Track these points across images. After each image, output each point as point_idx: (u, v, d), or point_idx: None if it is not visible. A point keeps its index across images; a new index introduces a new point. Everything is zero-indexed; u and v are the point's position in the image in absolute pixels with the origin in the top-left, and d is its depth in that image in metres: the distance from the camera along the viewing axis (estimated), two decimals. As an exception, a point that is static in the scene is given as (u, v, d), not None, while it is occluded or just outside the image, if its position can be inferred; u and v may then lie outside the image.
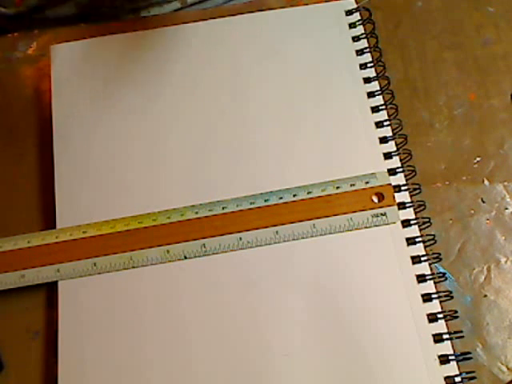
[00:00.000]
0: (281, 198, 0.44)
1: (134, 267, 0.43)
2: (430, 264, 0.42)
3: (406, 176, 0.45)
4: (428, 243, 0.43)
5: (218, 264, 0.43)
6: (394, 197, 0.43)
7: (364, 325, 0.40)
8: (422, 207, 0.44)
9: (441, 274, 0.42)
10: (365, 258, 0.42)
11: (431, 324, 0.40)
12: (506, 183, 0.46)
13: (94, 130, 0.48)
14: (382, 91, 0.47)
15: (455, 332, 0.40)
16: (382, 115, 0.46)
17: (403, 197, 0.44)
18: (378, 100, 0.47)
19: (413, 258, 0.42)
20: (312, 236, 0.43)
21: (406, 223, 0.43)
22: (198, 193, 0.45)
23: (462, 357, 0.40)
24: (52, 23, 0.55)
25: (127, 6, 0.56)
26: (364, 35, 0.49)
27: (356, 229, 0.43)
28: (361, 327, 0.40)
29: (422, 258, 0.42)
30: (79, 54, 0.50)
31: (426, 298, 0.41)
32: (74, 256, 0.43)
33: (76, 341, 0.41)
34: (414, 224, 0.43)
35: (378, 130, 0.46)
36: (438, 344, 0.40)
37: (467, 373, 0.39)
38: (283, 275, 0.42)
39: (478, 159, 0.46)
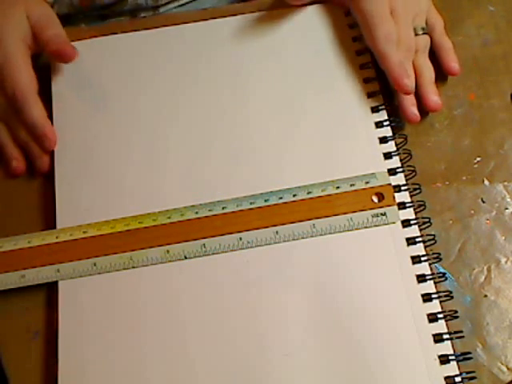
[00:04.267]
0: (281, 198, 0.44)
1: (133, 267, 0.43)
2: (429, 264, 0.42)
3: (406, 176, 0.45)
4: (428, 243, 0.43)
5: (218, 264, 0.43)
6: (393, 197, 0.43)
7: (364, 325, 0.40)
8: (422, 207, 0.44)
9: (441, 274, 0.42)
10: (365, 257, 0.42)
11: (431, 324, 0.40)
12: (505, 183, 0.46)
13: (94, 130, 0.48)
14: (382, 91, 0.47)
15: (455, 332, 0.40)
16: (382, 115, 0.46)
17: (403, 197, 0.44)
18: (378, 100, 0.47)
19: (413, 257, 0.42)
20: (312, 236, 0.43)
21: (405, 223, 0.43)
22: (198, 193, 0.45)
23: (462, 357, 0.40)
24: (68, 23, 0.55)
25: (150, 4, 0.56)
26: (364, 35, 0.49)
27: (356, 229, 0.43)
28: (361, 327, 0.40)
29: (422, 258, 0.42)
30: (79, 54, 0.50)
31: (426, 298, 0.41)
32: (74, 256, 0.43)
33: (76, 341, 0.41)
34: (414, 224, 0.43)
35: (378, 129, 0.46)
36: (438, 344, 0.40)
37: (467, 373, 0.39)
38: (283, 275, 0.42)
39: (478, 159, 0.46)
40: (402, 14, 0.46)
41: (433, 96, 0.46)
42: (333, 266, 0.42)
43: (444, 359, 0.39)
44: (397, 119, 0.46)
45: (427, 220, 0.43)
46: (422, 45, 0.47)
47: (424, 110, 0.47)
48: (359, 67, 0.48)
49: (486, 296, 0.42)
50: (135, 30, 0.51)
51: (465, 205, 0.45)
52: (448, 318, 0.41)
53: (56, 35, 0.48)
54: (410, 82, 0.45)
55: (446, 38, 0.49)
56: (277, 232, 0.43)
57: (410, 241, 0.42)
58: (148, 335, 0.41)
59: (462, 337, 0.41)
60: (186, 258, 0.43)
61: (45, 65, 0.50)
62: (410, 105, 0.46)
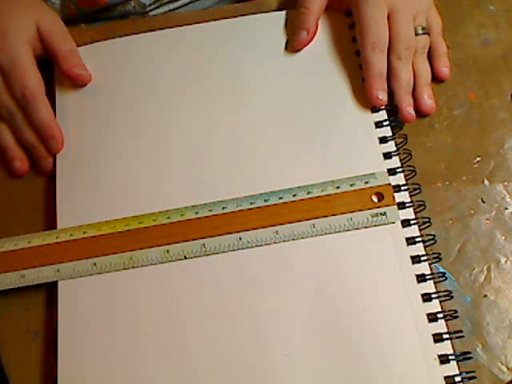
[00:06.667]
0: (281, 198, 0.44)
1: (133, 267, 0.43)
2: (429, 264, 0.42)
3: (405, 176, 0.45)
4: (428, 243, 0.43)
5: (218, 264, 0.43)
6: (393, 196, 0.43)
7: (364, 325, 0.40)
8: (422, 207, 0.44)
9: (441, 274, 0.42)
10: (364, 257, 0.42)
11: (431, 324, 0.40)
12: (506, 183, 0.46)
13: (95, 130, 0.48)
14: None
15: (455, 332, 0.40)
16: (382, 115, 0.46)
17: (403, 197, 0.44)
18: (378, 100, 0.47)
19: (413, 257, 0.42)
20: (312, 236, 0.43)
21: (405, 223, 0.43)
22: (198, 193, 0.45)
23: (462, 357, 0.40)
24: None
25: (138, 10, 0.57)
26: (364, 35, 0.49)
27: (356, 229, 0.43)
28: (361, 327, 0.40)
29: (422, 258, 0.42)
30: (82, 55, 0.50)
31: (426, 297, 0.41)
32: (74, 256, 0.43)
33: (76, 341, 0.41)
34: (414, 224, 0.43)
35: (378, 129, 0.46)
36: (437, 344, 0.40)
37: (467, 373, 0.39)
38: (283, 275, 0.42)
39: (478, 159, 0.46)
40: (403, 12, 0.47)
41: (426, 99, 0.47)
42: (332, 265, 0.42)
43: (444, 359, 0.39)
44: (397, 119, 0.46)
45: (427, 220, 0.43)
46: (421, 45, 0.47)
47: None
48: (359, 67, 0.48)
49: (485, 296, 0.42)
50: (135, 31, 0.51)
51: (465, 205, 0.45)
52: (448, 317, 0.40)
53: (71, 52, 0.49)
54: (383, 97, 0.46)
55: (442, 41, 0.49)
56: (276, 232, 0.43)
57: (410, 241, 0.42)
58: (148, 335, 0.41)
59: (462, 337, 0.41)
60: (185, 258, 0.43)
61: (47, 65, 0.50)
62: (406, 105, 0.46)
